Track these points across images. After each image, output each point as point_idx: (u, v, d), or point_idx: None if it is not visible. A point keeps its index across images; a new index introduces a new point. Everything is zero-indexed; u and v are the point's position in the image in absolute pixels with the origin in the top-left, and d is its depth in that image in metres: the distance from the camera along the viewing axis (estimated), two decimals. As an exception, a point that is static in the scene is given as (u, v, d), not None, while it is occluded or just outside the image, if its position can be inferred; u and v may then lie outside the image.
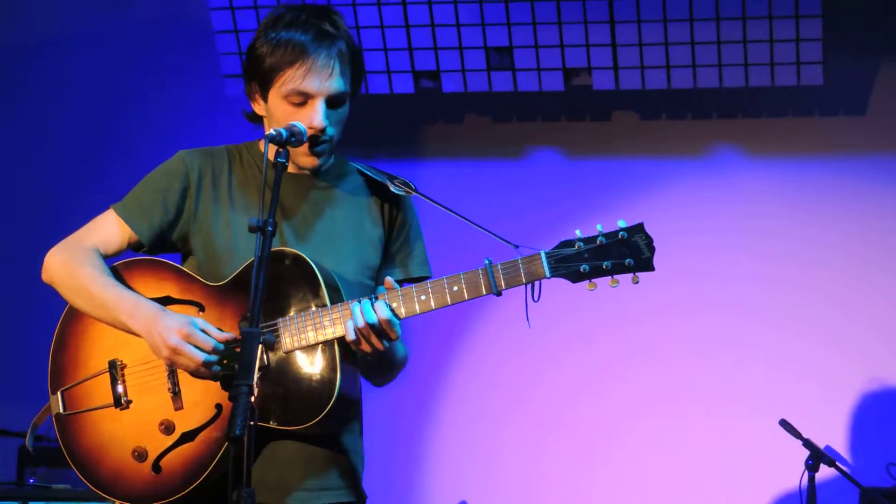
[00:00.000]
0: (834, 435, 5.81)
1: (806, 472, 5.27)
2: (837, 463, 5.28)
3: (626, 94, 6.05)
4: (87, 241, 3.44)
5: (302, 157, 3.40)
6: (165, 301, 3.36)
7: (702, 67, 5.86)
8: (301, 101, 3.36)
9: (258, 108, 3.47)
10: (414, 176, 3.53)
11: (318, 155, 3.41)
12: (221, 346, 3.24)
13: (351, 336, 3.23)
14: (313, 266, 3.29)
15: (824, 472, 5.29)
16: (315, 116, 3.35)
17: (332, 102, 3.37)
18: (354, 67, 3.42)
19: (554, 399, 6.15)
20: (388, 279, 3.29)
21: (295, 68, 3.34)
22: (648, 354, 6.09)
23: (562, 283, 3.22)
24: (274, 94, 3.39)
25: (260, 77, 3.40)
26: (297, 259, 3.30)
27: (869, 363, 5.90)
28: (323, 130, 3.36)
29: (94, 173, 6.42)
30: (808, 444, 5.29)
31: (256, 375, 2.92)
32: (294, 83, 3.34)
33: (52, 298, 3.56)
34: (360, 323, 3.21)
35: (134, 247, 3.47)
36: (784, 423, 5.35)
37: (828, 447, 5.45)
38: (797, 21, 5.73)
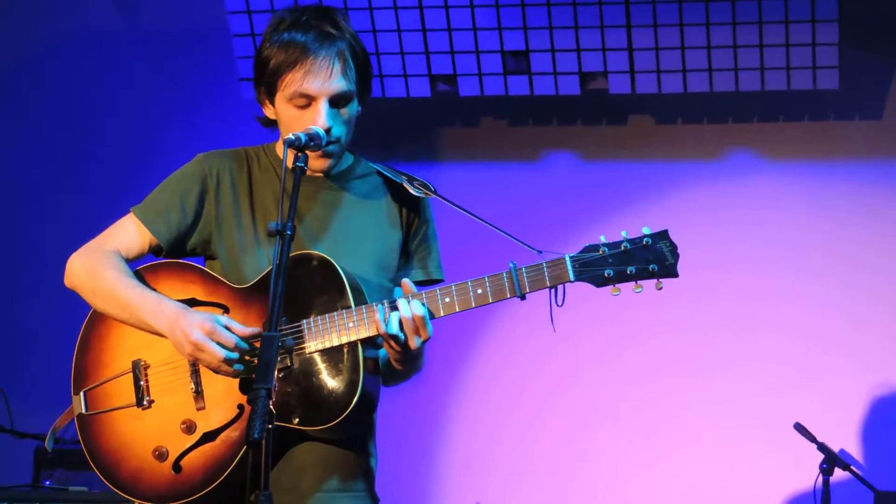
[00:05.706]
0: (849, 438, 5.81)
1: (820, 476, 5.28)
2: (852, 467, 5.29)
3: (642, 98, 6.06)
4: (108, 245, 3.43)
5: (313, 160, 3.37)
6: (191, 303, 3.36)
7: (718, 71, 5.87)
8: (305, 103, 3.34)
9: (269, 112, 3.45)
10: (430, 179, 3.52)
11: (328, 156, 3.40)
12: (244, 344, 3.23)
13: (393, 331, 3.20)
14: (339, 268, 3.28)
15: (839, 475, 5.30)
16: (318, 117, 3.32)
17: (337, 102, 3.35)
18: (359, 67, 3.38)
19: (566, 403, 6.16)
20: (406, 281, 3.28)
21: (295, 70, 3.32)
22: (662, 359, 6.09)
23: (584, 290, 3.22)
24: (279, 98, 3.38)
25: (266, 82, 3.39)
26: (323, 261, 3.29)
27: (884, 366, 5.90)
28: (328, 131, 3.34)
29: (113, 177, 6.44)
30: (822, 447, 5.30)
31: (277, 377, 2.92)
32: (295, 85, 3.33)
33: (71, 302, 3.57)
34: (407, 315, 3.19)
35: (154, 250, 3.46)
36: (799, 427, 5.36)
37: (842, 451, 5.45)
38: (813, 25, 5.73)
